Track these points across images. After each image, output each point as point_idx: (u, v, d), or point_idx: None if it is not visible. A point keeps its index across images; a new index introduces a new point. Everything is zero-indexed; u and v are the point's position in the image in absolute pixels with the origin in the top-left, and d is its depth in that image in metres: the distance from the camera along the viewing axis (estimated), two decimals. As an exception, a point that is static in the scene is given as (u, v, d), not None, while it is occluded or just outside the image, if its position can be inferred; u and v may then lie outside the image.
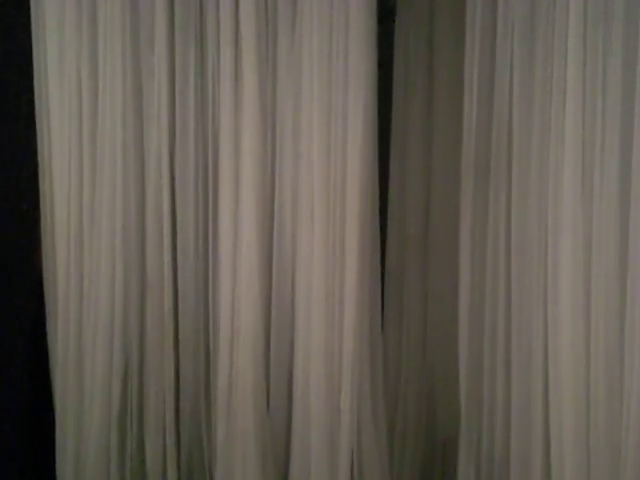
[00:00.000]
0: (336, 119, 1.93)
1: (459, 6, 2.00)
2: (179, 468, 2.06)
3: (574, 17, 1.68)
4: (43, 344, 2.15)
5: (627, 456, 1.63)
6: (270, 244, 2.01)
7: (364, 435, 1.97)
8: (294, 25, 1.95)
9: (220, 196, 2.00)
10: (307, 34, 1.92)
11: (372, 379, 1.99)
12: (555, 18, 1.73)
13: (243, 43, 1.94)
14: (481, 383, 1.97)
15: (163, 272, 2.03)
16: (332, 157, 1.94)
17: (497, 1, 1.85)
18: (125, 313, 2.05)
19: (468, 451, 1.99)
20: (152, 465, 2.04)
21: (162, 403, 2.04)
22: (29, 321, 2.22)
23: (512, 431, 1.88)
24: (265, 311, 2.00)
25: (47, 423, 2.14)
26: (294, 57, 1.96)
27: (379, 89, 1.96)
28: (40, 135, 2.10)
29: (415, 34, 2.22)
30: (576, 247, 1.71)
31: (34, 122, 2.10)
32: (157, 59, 2.00)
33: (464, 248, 1.98)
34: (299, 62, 1.95)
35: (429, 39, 2.22)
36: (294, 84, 1.96)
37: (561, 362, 1.75)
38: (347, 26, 1.89)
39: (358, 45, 1.89)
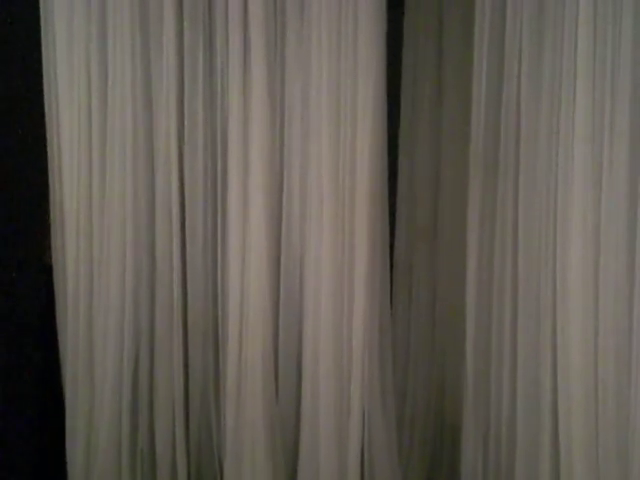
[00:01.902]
0: (345, 109, 1.93)
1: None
2: (188, 455, 2.08)
3: (584, 2, 1.68)
4: (53, 335, 2.16)
5: (634, 444, 1.64)
6: (279, 233, 2.02)
7: (373, 422, 1.98)
8: (302, 15, 1.95)
9: (229, 186, 2.00)
10: (316, 24, 1.92)
11: (381, 367, 2.00)
12: (565, 4, 1.73)
13: (252, 33, 1.94)
14: (488, 370, 1.97)
15: (172, 263, 2.04)
16: (341, 146, 1.94)
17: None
18: (135, 304, 2.06)
19: (475, 438, 1.99)
20: (162, 453, 2.05)
21: (172, 392, 2.05)
22: (38, 312, 2.22)
23: (518, 419, 1.89)
24: (274, 300, 2.01)
25: (58, 413, 2.14)
26: (303, 47, 1.96)
27: (387, 78, 1.96)
28: (49, 126, 2.10)
29: (424, 23, 2.22)
30: (585, 234, 1.72)
31: (43, 114, 2.11)
32: (166, 50, 2.00)
33: (472, 237, 1.98)
34: (308, 52, 1.95)
35: (438, 28, 2.22)
36: (303, 74, 1.97)
37: (569, 349, 1.75)
38: (356, 15, 1.89)
39: (367, 34, 1.89)
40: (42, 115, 2.11)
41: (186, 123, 2.03)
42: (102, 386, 2.06)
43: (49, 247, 2.16)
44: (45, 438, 2.21)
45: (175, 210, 2.04)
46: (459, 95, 2.15)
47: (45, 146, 2.12)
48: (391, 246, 2.14)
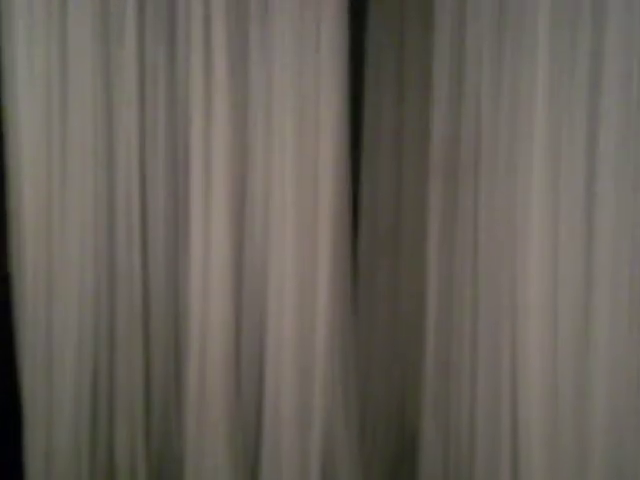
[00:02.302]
0: (308, 116, 1.94)
1: (429, 3, 2.01)
2: (149, 462, 2.06)
3: (543, 12, 1.70)
4: (10, 343, 2.13)
5: (593, 450, 1.66)
6: (242, 238, 2.01)
7: (335, 429, 1.99)
8: (265, 16, 1.95)
9: (191, 187, 1.99)
10: (279, 27, 1.93)
11: (344, 373, 2.01)
12: (525, 14, 1.75)
13: (214, 35, 1.94)
14: (448, 376, 1.98)
15: (133, 268, 2.03)
16: (304, 154, 1.95)
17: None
18: (95, 309, 2.03)
19: (435, 444, 2.00)
20: (122, 459, 2.03)
21: (132, 398, 2.03)
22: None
23: (478, 424, 1.90)
24: (236, 306, 2.01)
25: (16, 422, 2.11)
26: (265, 49, 1.96)
27: (350, 85, 1.98)
28: (7, 131, 2.07)
29: (386, 31, 2.24)
30: (544, 244, 1.74)
31: (0, 119, 2.08)
32: (127, 54, 1.99)
33: (432, 246, 1.99)
34: (270, 54, 1.95)
35: (400, 36, 2.24)
36: (265, 75, 1.96)
37: (528, 355, 1.76)
38: (319, 21, 1.91)
39: (330, 40, 1.91)
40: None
41: (147, 126, 2.02)
42: (61, 394, 2.03)
43: (5, 255, 2.13)
44: (2, 448, 2.18)
45: (136, 216, 2.02)
46: (421, 102, 2.16)
47: (2, 152, 2.09)
48: (354, 254, 2.15)
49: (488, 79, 1.85)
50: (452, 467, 1.99)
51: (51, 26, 1.99)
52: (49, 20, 1.99)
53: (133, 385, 2.03)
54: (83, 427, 2.03)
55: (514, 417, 1.82)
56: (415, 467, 2.16)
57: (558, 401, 1.73)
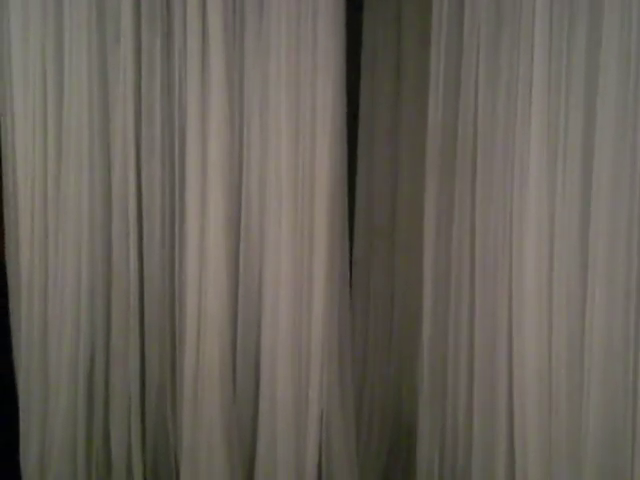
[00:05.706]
0: (305, 107, 1.93)
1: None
2: (144, 456, 2.06)
3: (540, 10, 1.70)
4: (6, 336, 2.12)
5: (587, 442, 1.66)
6: (237, 230, 2.01)
7: (331, 423, 1.98)
8: (262, 12, 1.95)
9: (187, 184, 1.99)
10: (275, 22, 1.92)
11: (340, 367, 2.00)
12: (522, 12, 1.75)
13: (210, 30, 1.93)
14: (444, 370, 1.98)
15: (129, 260, 2.02)
16: (300, 144, 1.94)
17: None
18: (91, 303, 2.03)
19: (431, 438, 2.00)
20: (117, 453, 2.03)
21: (127, 392, 2.03)
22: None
23: (474, 418, 1.90)
24: (232, 299, 2.00)
25: (11, 416, 2.11)
26: (262, 45, 1.95)
27: (347, 79, 1.97)
28: (3, 125, 2.07)
29: (383, 25, 2.24)
30: (540, 233, 1.74)
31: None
32: (123, 46, 1.98)
33: (428, 239, 1.99)
34: (267, 50, 1.94)
35: (397, 30, 2.24)
36: (262, 72, 1.96)
37: (525, 349, 1.77)
38: (315, 15, 1.90)
39: (326, 34, 1.90)
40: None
41: (143, 121, 2.01)
42: (57, 388, 2.03)
43: (2, 246, 2.13)
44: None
45: (132, 208, 2.02)
46: (418, 95, 2.16)
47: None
48: (350, 243, 2.14)
49: (485, 69, 1.84)
50: (448, 458, 1.99)
51: (47, 21, 1.99)
52: (45, 15, 1.98)
53: (128, 382, 2.03)
54: (79, 422, 2.03)
55: (510, 413, 1.82)
56: (411, 462, 2.16)
57: (553, 391, 1.73)
